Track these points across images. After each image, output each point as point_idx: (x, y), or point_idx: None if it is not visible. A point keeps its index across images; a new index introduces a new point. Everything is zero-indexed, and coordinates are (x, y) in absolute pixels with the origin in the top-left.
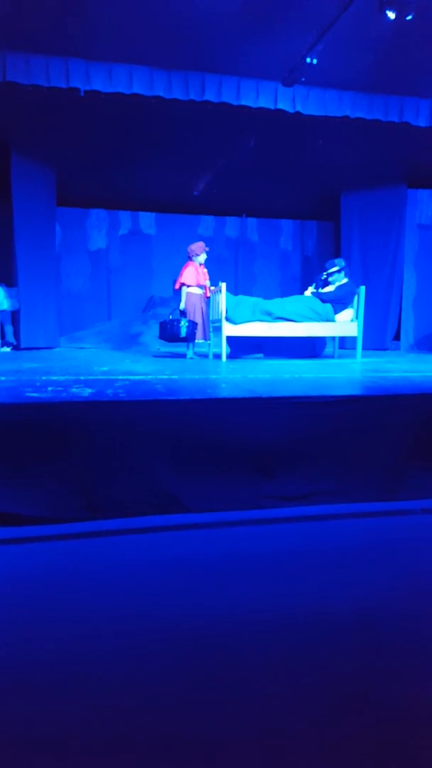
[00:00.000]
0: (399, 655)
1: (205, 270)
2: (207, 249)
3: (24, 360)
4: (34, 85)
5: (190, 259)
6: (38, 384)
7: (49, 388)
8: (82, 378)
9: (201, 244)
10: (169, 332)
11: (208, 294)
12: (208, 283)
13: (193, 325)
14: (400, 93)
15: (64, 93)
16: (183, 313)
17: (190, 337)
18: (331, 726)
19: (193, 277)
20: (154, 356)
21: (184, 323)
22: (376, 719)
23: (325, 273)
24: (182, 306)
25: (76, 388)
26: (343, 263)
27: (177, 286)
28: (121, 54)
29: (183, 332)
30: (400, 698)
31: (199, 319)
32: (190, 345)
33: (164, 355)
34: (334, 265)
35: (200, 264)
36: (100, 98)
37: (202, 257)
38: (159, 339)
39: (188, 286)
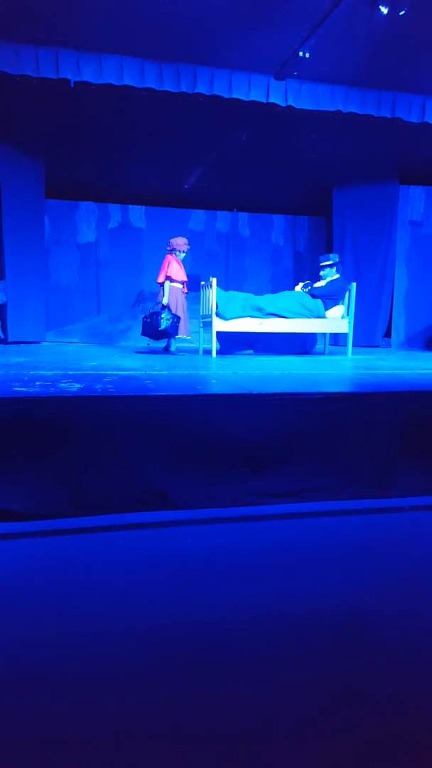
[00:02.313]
0: (389, 649)
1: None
2: (188, 247)
3: (11, 354)
4: (23, 76)
5: (171, 252)
6: (26, 379)
7: (37, 383)
8: (70, 373)
9: (186, 240)
10: (148, 327)
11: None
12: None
13: (176, 318)
14: (392, 88)
15: (54, 84)
16: (165, 308)
17: (171, 331)
18: (325, 721)
19: (179, 272)
20: (144, 352)
21: (165, 316)
22: (368, 714)
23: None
24: (165, 300)
25: (65, 383)
26: (337, 258)
27: (161, 280)
28: (111, 45)
29: (163, 325)
30: (391, 692)
31: (182, 314)
32: (172, 340)
33: (154, 350)
34: (328, 259)
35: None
36: (90, 89)
37: (183, 255)
38: (141, 335)
39: (174, 281)
